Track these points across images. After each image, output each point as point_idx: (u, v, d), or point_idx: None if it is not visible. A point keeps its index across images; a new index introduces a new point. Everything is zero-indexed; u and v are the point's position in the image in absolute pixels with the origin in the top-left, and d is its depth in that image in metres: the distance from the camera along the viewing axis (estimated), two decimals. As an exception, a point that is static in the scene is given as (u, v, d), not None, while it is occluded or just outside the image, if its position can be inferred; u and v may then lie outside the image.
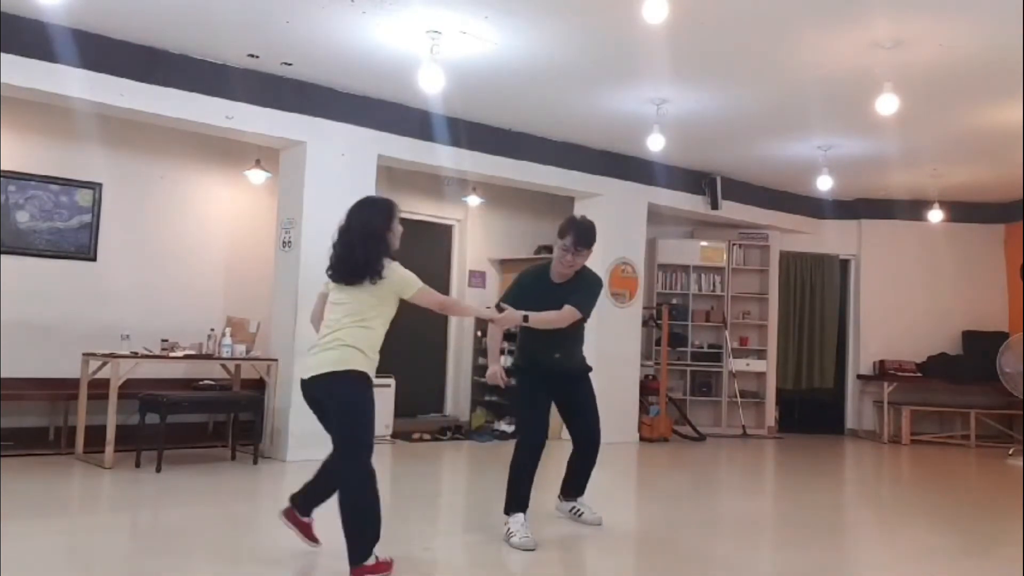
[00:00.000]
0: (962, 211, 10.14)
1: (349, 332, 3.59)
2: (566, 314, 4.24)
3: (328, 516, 3.79)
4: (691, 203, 9.35)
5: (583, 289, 4.39)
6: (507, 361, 8.80)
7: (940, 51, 5.44)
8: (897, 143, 7.67)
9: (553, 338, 4.40)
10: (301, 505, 3.99)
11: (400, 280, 3.64)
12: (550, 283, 4.42)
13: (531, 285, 4.48)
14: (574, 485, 4.80)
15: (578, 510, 4.76)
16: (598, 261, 8.65)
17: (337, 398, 3.57)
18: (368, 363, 3.65)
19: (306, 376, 3.62)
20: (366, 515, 3.56)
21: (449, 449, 7.89)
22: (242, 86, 6.30)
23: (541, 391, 4.48)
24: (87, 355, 6.18)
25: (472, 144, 7.56)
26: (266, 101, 6.45)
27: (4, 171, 6.54)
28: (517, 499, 4.34)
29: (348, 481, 3.58)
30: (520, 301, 4.30)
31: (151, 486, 5.45)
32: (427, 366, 9.00)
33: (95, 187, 6.96)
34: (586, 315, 4.35)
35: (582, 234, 4.28)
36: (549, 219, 9.55)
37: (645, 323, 9.31)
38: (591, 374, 4.72)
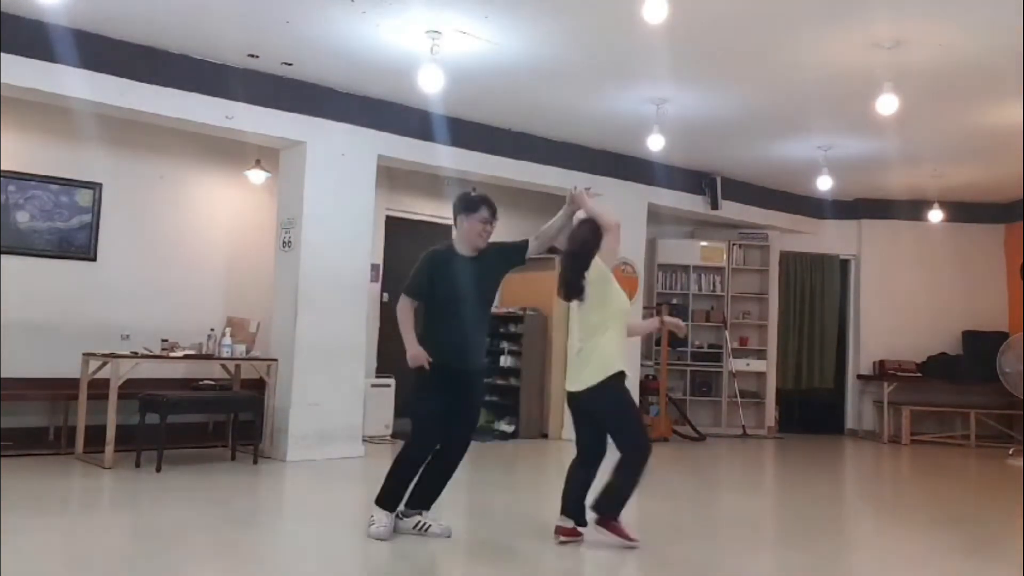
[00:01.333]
0: (962, 211, 10.14)
1: (591, 344, 4.21)
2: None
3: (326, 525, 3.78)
4: (691, 203, 9.35)
5: (507, 248, 4.52)
6: (507, 361, 8.86)
7: (940, 51, 5.44)
8: (897, 143, 7.66)
9: (478, 330, 4.30)
10: (607, 509, 4.26)
11: (598, 273, 4.24)
12: (463, 259, 4.33)
13: (442, 267, 4.30)
14: (426, 495, 4.36)
15: (425, 525, 4.34)
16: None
17: (603, 406, 4.20)
18: (619, 360, 4.22)
19: (571, 389, 4.27)
20: (634, 487, 4.22)
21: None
22: (242, 86, 6.30)
23: (449, 391, 4.21)
24: (87, 355, 6.18)
25: (472, 144, 7.57)
26: (266, 101, 6.45)
27: (4, 171, 6.53)
28: (394, 497, 4.26)
29: (642, 462, 4.21)
30: (434, 285, 4.25)
31: (151, 486, 5.44)
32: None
33: (95, 187, 6.96)
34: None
35: (493, 205, 4.42)
36: (549, 219, 9.54)
37: (645, 323, 9.31)
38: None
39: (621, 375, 4.22)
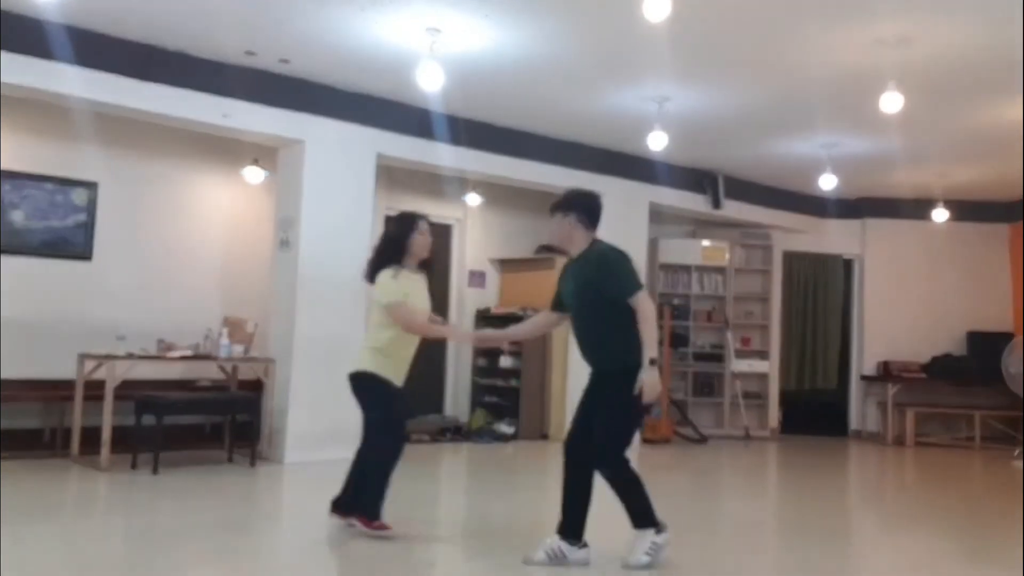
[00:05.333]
0: (967, 210, 10.07)
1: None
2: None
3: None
4: (693, 202, 9.29)
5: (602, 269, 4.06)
6: (507, 362, 8.81)
7: (945, 49, 5.39)
8: (901, 142, 7.61)
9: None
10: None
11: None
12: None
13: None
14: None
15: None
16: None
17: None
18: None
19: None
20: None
21: (448, 450, 7.85)
22: (239, 84, 6.25)
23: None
24: (83, 356, 6.13)
25: (472, 143, 7.51)
26: (264, 99, 6.40)
27: (-1, 170, 6.50)
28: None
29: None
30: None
31: (147, 488, 5.41)
32: (427, 366, 8.94)
33: (91, 186, 6.90)
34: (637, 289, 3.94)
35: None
36: (549, 219, 9.48)
37: (647, 323, 9.25)
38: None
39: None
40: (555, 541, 3.89)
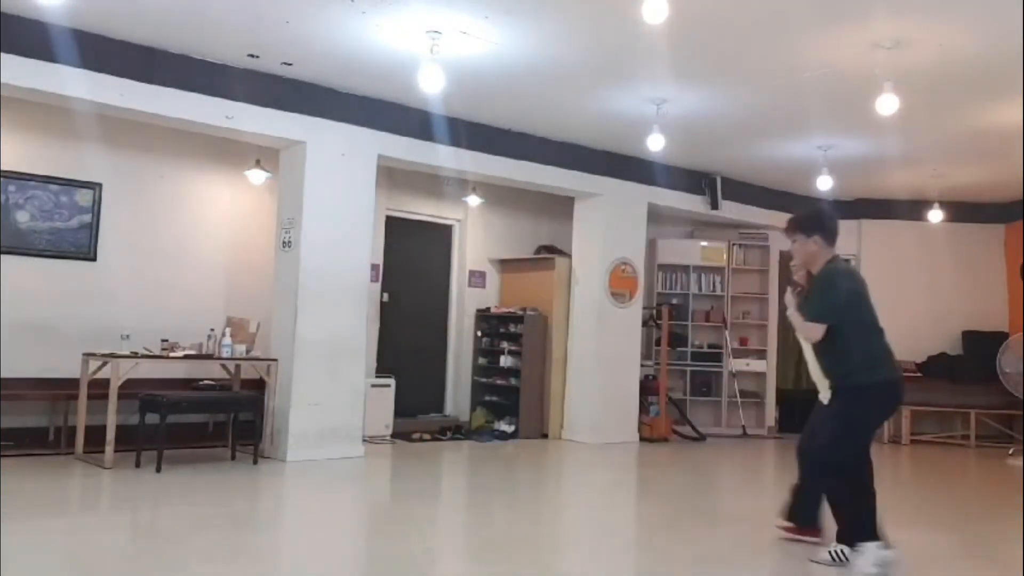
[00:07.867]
0: (962, 211, 10.14)
1: None
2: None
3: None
4: (691, 203, 9.35)
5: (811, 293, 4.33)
6: (507, 361, 8.85)
7: (940, 51, 5.43)
8: (897, 143, 7.66)
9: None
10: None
11: None
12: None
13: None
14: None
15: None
16: (597, 261, 8.70)
17: None
18: None
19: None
20: None
21: (449, 449, 7.89)
22: (242, 86, 6.30)
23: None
24: (87, 355, 6.18)
25: (472, 144, 7.57)
26: (266, 101, 6.45)
27: (4, 171, 6.53)
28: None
29: None
30: None
31: (151, 486, 5.45)
32: (427, 366, 9.00)
33: (95, 187, 6.95)
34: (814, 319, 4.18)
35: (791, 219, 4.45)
36: (549, 219, 9.57)
37: (645, 323, 9.31)
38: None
39: None
40: (835, 546, 4.11)
